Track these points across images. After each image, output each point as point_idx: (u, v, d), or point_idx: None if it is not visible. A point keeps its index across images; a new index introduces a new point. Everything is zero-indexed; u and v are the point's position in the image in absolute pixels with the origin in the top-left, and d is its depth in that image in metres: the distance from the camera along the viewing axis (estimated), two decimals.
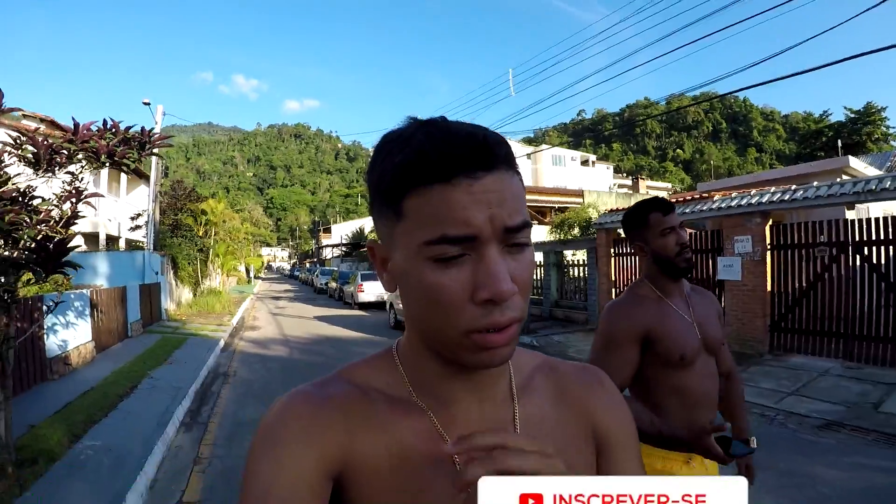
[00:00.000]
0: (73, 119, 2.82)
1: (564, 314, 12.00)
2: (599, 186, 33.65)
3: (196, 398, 6.00)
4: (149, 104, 14.02)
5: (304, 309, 17.83)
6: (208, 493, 3.52)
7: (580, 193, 21.92)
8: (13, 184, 2.81)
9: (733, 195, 8.14)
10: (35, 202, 2.86)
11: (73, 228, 3.26)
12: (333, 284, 23.04)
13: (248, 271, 38.84)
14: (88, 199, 3.06)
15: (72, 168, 2.97)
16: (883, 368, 6.28)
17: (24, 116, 11.72)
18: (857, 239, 6.68)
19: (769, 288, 7.47)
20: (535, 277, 12.87)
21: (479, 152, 0.47)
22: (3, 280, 2.81)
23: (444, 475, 0.53)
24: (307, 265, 52.71)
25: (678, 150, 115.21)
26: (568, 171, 38.57)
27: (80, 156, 2.84)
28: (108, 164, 3.03)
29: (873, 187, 6.39)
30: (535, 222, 20.44)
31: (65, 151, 2.82)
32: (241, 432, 4.72)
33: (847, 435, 4.48)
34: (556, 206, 21.69)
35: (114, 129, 2.98)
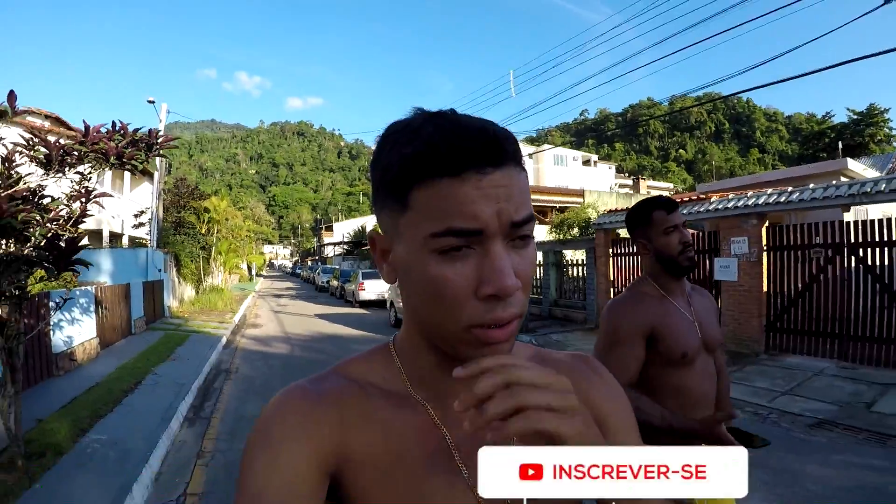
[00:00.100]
0: (83, 122, 2.92)
1: (563, 313, 12.07)
2: (601, 186, 33.67)
3: (199, 394, 6.09)
4: (153, 102, 14.12)
5: (306, 307, 17.92)
6: (211, 486, 3.61)
7: (581, 193, 21.94)
8: (24, 183, 2.90)
9: (730, 197, 8.21)
10: (45, 201, 2.96)
11: (79, 226, 3.36)
12: (335, 283, 23.09)
13: (250, 269, 38.92)
14: (97, 199, 3.15)
15: (81, 168, 3.06)
16: (877, 369, 6.34)
17: (30, 113, 11.82)
18: (852, 241, 6.74)
19: (765, 288, 7.54)
20: (535, 276, 12.96)
21: (490, 147, 0.46)
22: (14, 277, 2.90)
23: (442, 466, 0.54)
24: (309, 263, 52.81)
25: (681, 151, 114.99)
26: (569, 170, 38.59)
27: (90, 157, 2.93)
28: (116, 166, 3.12)
29: (868, 189, 6.45)
30: (536, 222, 20.43)
31: (76, 153, 2.92)
32: (243, 427, 4.81)
33: (839, 434, 4.53)
34: (558, 205, 21.69)
35: (122, 131, 3.07)
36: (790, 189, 7.44)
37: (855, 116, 34.96)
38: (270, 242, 75.15)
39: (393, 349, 0.61)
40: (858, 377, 6.09)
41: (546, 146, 38.28)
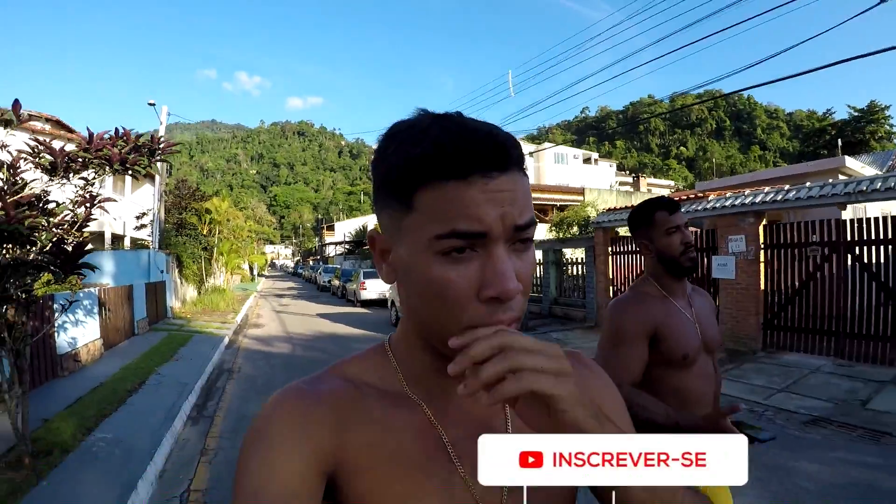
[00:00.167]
0: (87, 129, 2.99)
1: (563, 312, 12.12)
2: (602, 184, 33.72)
3: (202, 393, 6.16)
4: (154, 105, 14.20)
5: (307, 306, 17.98)
6: (215, 483, 3.68)
7: (581, 191, 21.98)
8: (30, 189, 2.97)
9: (727, 195, 8.25)
10: (50, 206, 3.04)
11: (84, 230, 3.44)
12: (336, 282, 23.09)
13: (251, 269, 39.00)
14: (102, 204, 3.23)
15: (85, 174, 3.14)
16: (874, 366, 6.38)
17: (31, 116, 11.88)
18: (848, 239, 6.79)
19: (762, 286, 7.59)
20: (535, 275, 12.99)
21: (497, 152, 0.47)
22: (21, 281, 2.98)
23: (439, 465, 0.54)
24: (310, 263, 52.94)
25: (682, 148, 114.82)
26: (570, 168, 38.65)
27: (94, 163, 3.00)
28: (120, 172, 3.20)
29: (864, 188, 6.50)
30: (537, 221, 20.46)
31: (80, 159, 2.99)
32: (246, 425, 4.83)
33: (833, 431, 4.56)
34: (558, 203, 21.73)
35: (125, 138, 3.14)
36: (787, 187, 7.48)
37: (856, 113, 34.88)
38: (272, 242, 75.22)
39: (388, 349, 0.61)
40: (855, 374, 6.12)
41: (547, 144, 38.36)
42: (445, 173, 0.46)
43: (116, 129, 3.14)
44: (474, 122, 0.49)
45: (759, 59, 8.60)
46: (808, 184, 7.39)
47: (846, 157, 13.38)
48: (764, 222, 7.69)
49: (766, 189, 7.74)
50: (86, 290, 7.63)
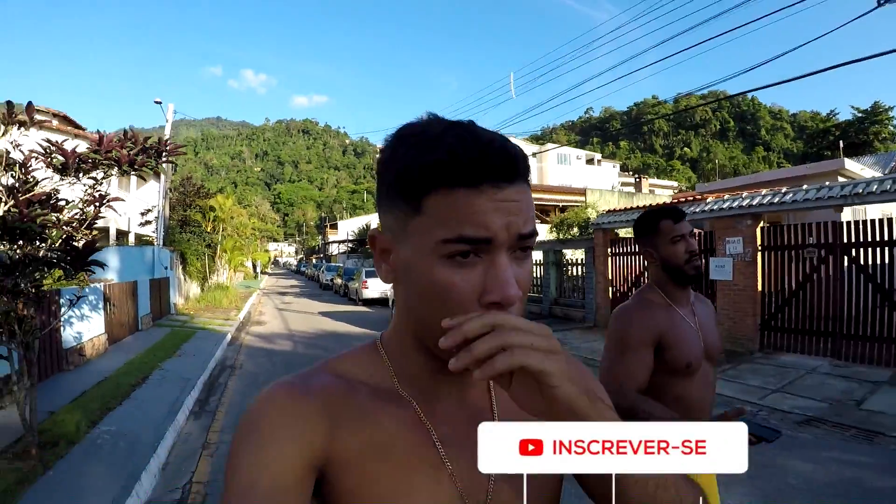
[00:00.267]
0: (98, 131, 3.09)
1: (563, 312, 12.18)
2: (605, 185, 33.73)
3: (204, 389, 6.26)
4: (160, 103, 14.33)
5: (310, 304, 18.07)
6: (216, 475, 3.76)
7: (583, 192, 22.00)
8: (40, 187, 3.07)
9: (725, 197, 8.31)
10: (60, 204, 3.14)
11: (92, 228, 3.54)
12: (339, 280, 23.15)
13: (254, 267, 39.18)
14: (110, 203, 3.33)
15: (94, 173, 3.24)
16: (870, 367, 6.40)
17: (39, 112, 12.01)
18: (844, 241, 6.83)
19: (760, 288, 7.64)
20: (535, 276, 13.08)
21: (507, 164, 0.49)
22: (32, 277, 3.07)
23: (428, 462, 0.55)
24: (314, 261, 53.04)
25: (685, 149, 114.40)
26: (573, 169, 38.67)
27: (104, 164, 3.10)
28: (128, 172, 3.30)
29: (860, 191, 6.55)
30: (539, 221, 20.55)
31: (90, 160, 3.09)
32: None
33: (826, 430, 4.59)
34: (560, 204, 21.76)
35: (133, 139, 3.25)
36: (784, 190, 7.54)
37: (859, 114, 34.81)
38: (275, 240, 75.52)
39: (381, 347, 0.62)
40: (851, 375, 6.15)
41: (550, 145, 38.39)
42: (457, 180, 0.48)
43: (125, 131, 3.24)
44: (487, 133, 0.50)
45: (763, 61, 8.64)
46: (804, 186, 7.44)
47: (845, 159, 13.41)
48: (761, 224, 7.75)
49: (764, 192, 7.79)
50: (91, 285, 7.73)
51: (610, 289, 10.44)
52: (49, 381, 5.75)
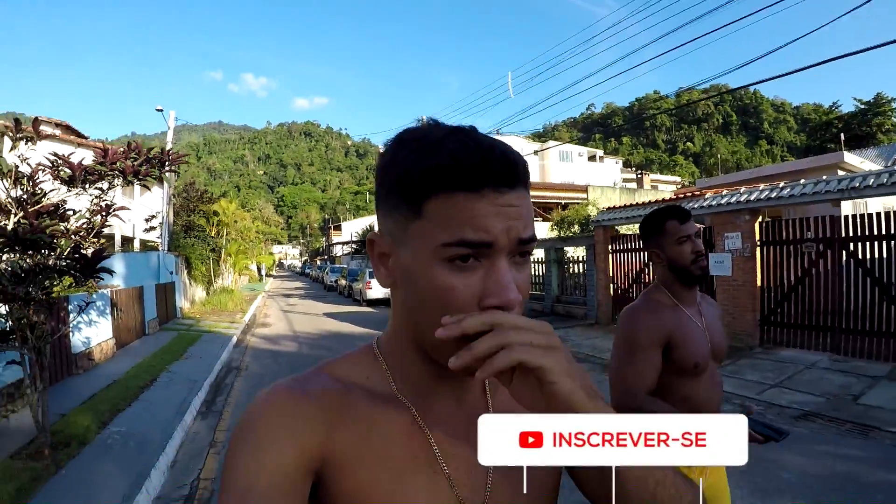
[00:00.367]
0: (102, 144, 3.20)
1: (565, 310, 12.24)
2: (607, 182, 33.71)
3: (211, 390, 6.37)
4: (161, 110, 14.49)
5: (314, 306, 18.17)
6: None
7: (585, 189, 22.03)
8: (48, 199, 3.19)
9: (723, 193, 8.34)
10: (68, 214, 3.26)
11: (99, 237, 3.66)
12: (343, 282, 23.22)
13: (259, 269, 39.29)
14: (117, 213, 3.45)
15: (100, 184, 3.35)
16: (869, 361, 6.42)
17: (42, 122, 12.16)
18: (842, 235, 6.85)
19: (759, 283, 7.67)
20: (537, 273, 13.15)
21: (508, 170, 0.49)
22: (42, 285, 3.19)
23: (425, 466, 0.55)
24: (318, 263, 53.23)
25: (688, 144, 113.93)
26: (575, 166, 38.64)
27: (109, 175, 3.22)
28: (133, 183, 3.42)
29: (857, 184, 6.58)
30: (541, 219, 20.62)
31: (97, 172, 3.21)
32: None
33: (822, 425, 4.61)
34: (563, 201, 21.77)
35: (137, 150, 3.36)
36: (781, 184, 7.57)
37: (862, 106, 34.60)
38: (280, 243, 75.68)
39: (378, 350, 0.61)
40: (849, 370, 6.17)
41: (552, 142, 38.38)
42: (459, 185, 0.48)
43: (129, 143, 3.36)
44: (488, 139, 0.50)
45: (764, 53, 8.57)
46: (802, 181, 7.47)
47: (845, 152, 13.39)
48: (760, 219, 7.78)
49: (762, 186, 7.82)
50: (99, 291, 7.85)
51: (611, 286, 10.50)
52: (60, 385, 5.87)
